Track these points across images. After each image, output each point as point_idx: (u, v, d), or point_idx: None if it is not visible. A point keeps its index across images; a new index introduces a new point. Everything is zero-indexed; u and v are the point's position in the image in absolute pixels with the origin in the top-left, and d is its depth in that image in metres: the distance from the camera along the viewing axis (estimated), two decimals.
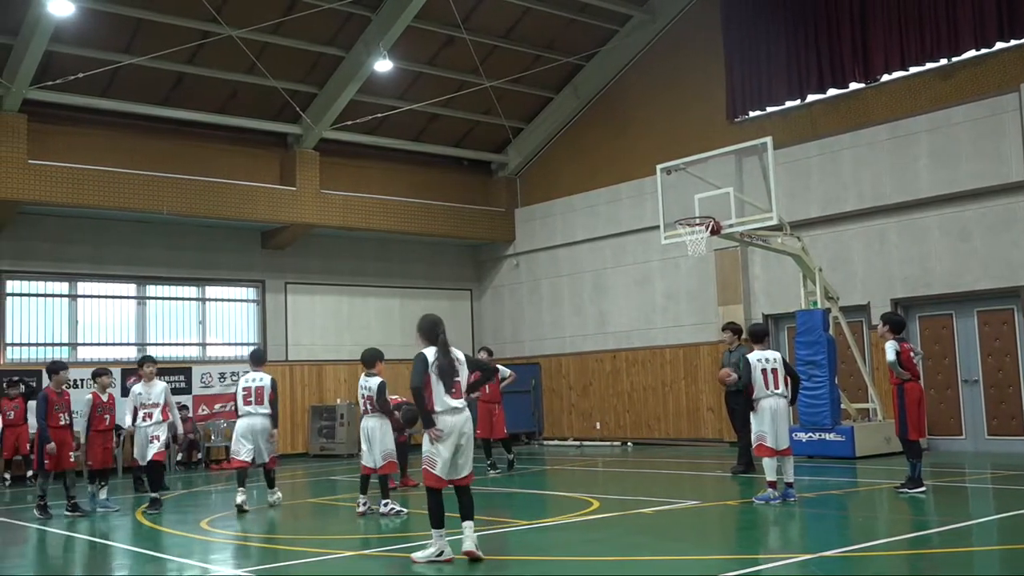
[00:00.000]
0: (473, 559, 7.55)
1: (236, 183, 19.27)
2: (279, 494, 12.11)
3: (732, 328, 13.98)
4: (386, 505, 10.66)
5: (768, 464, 10.61)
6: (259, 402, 11.57)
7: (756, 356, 10.79)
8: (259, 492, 12.98)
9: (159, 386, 11.82)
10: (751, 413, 10.78)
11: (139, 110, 18.42)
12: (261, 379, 11.71)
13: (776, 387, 10.69)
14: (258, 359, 12.13)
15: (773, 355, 10.90)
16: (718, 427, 18.96)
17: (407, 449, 13.94)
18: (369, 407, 10.87)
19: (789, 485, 10.57)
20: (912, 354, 11.11)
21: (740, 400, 13.62)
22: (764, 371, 10.69)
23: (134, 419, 11.81)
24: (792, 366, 11.11)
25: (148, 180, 18.15)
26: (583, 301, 21.85)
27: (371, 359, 11.07)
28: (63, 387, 11.81)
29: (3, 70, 16.57)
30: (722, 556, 8.06)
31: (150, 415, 11.64)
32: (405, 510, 10.72)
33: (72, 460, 11.80)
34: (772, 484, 10.53)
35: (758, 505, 10.35)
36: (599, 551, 8.28)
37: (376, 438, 10.76)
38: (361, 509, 10.74)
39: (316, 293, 21.36)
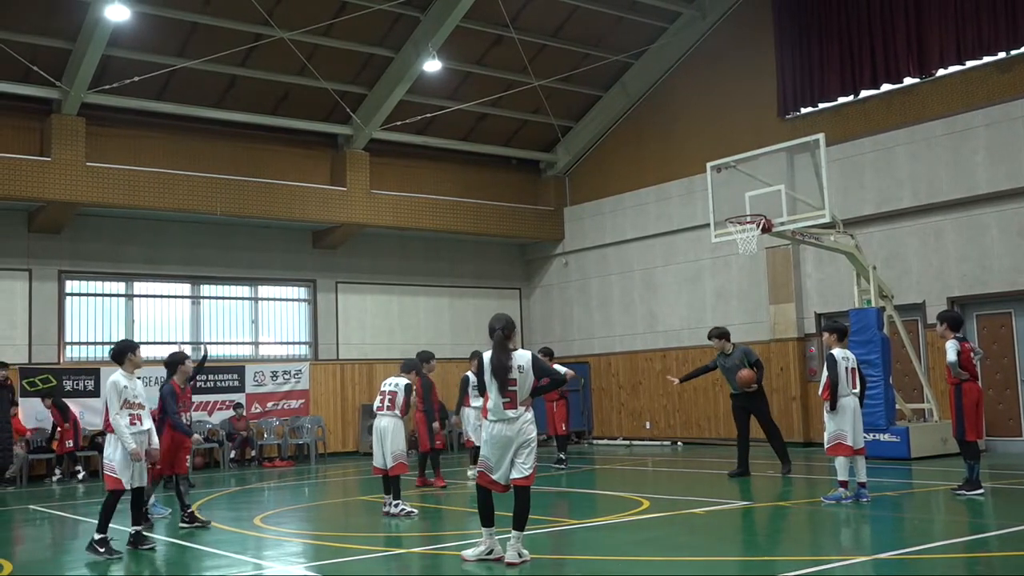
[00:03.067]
0: (508, 566, 7.46)
1: (288, 184, 19.50)
2: (397, 507, 10.69)
3: (719, 334, 13.78)
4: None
5: (842, 464, 10.53)
6: (391, 408, 10.92)
7: (840, 354, 10.71)
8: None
9: (140, 383, 9.21)
10: (828, 412, 10.64)
11: (193, 112, 18.71)
12: (396, 384, 11.01)
13: (854, 387, 10.70)
14: (405, 366, 11.59)
15: (851, 355, 10.90)
16: None
17: (439, 452, 13.99)
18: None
19: (862, 485, 10.48)
20: (972, 354, 10.92)
21: (762, 401, 13.51)
22: (846, 369, 10.66)
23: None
24: (860, 369, 11.01)
25: (202, 181, 18.43)
26: (633, 300, 21.76)
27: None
28: (187, 381, 10.60)
29: (62, 75, 16.93)
30: (775, 558, 7.98)
31: (139, 418, 8.96)
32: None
33: (187, 464, 10.61)
34: (844, 484, 10.46)
35: (828, 505, 10.24)
36: (650, 551, 8.24)
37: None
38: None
39: (366, 292, 21.52)
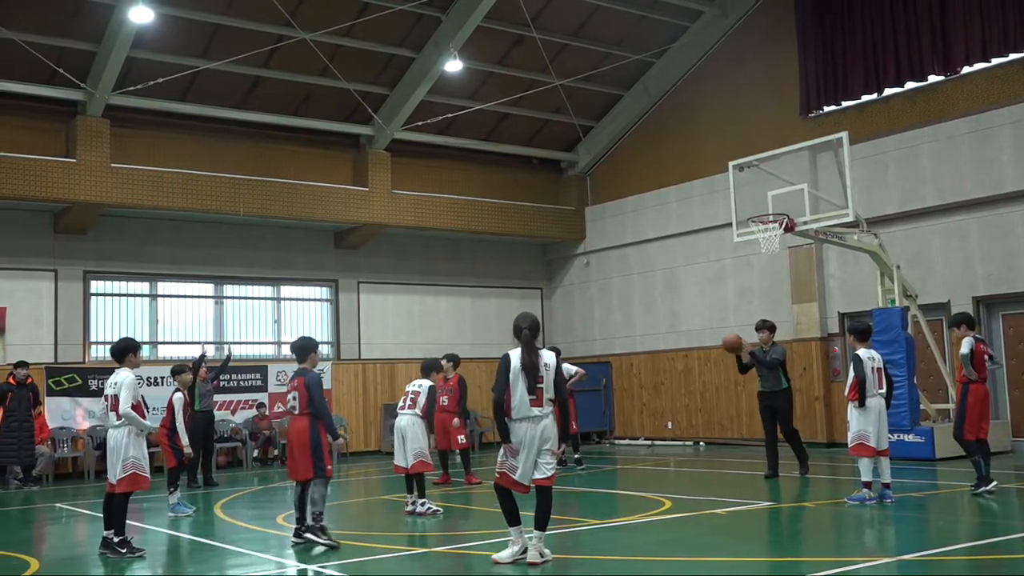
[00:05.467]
0: (529, 565, 7.46)
1: (310, 184, 19.58)
2: (423, 506, 10.76)
3: (769, 327, 13.45)
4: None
5: (865, 464, 10.49)
6: (411, 407, 11.03)
7: (865, 354, 10.65)
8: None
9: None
10: (855, 411, 10.57)
11: (217, 114, 18.83)
12: (419, 385, 11.15)
13: (880, 387, 10.64)
14: (424, 367, 11.64)
15: (877, 355, 10.86)
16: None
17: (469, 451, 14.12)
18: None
19: (886, 486, 10.43)
20: (986, 357, 10.93)
21: (786, 403, 13.31)
22: (872, 369, 10.61)
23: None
24: (887, 369, 10.95)
25: (225, 182, 18.55)
26: (654, 299, 21.71)
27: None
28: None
29: (87, 76, 17.07)
30: (798, 558, 7.94)
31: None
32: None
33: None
34: (867, 484, 10.41)
35: (852, 506, 10.18)
36: (672, 551, 8.23)
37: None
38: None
39: (388, 292, 21.58)
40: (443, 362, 13.65)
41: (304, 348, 9.21)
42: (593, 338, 22.85)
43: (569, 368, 14.88)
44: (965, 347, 10.82)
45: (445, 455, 14.14)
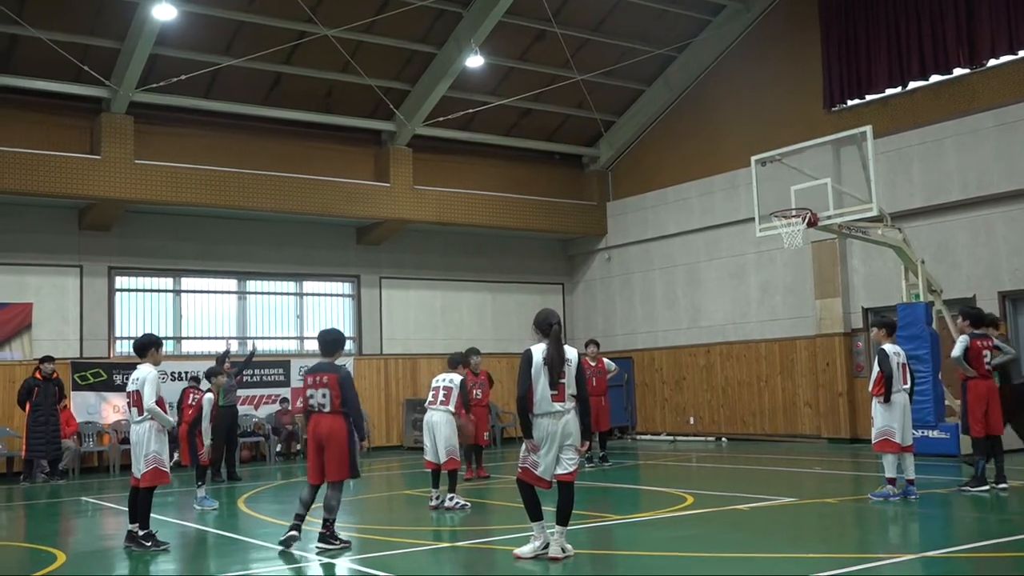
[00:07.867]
0: (551, 560, 7.48)
1: (332, 180, 19.65)
2: (452, 500, 10.73)
3: (992, 321, 12.14)
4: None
5: (890, 461, 10.44)
6: (444, 403, 10.98)
7: (891, 349, 10.59)
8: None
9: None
10: (880, 406, 10.47)
11: (239, 110, 18.92)
12: (450, 380, 11.10)
13: (904, 383, 10.60)
14: (452, 361, 11.63)
15: (901, 350, 10.80)
16: (816, 423, 18.59)
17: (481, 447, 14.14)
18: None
19: (910, 482, 10.39)
20: (987, 352, 10.84)
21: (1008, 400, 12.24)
22: (897, 364, 10.54)
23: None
24: (909, 364, 10.88)
25: (248, 178, 18.64)
26: (676, 295, 21.64)
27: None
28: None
29: (111, 74, 17.20)
30: (819, 555, 7.91)
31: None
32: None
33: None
34: (892, 481, 10.37)
35: (876, 502, 10.14)
36: (694, 547, 8.21)
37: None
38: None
39: (410, 288, 21.64)
40: (472, 358, 13.64)
41: (334, 343, 8.73)
42: (615, 333, 22.81)
43: (609, 364, 15.49)
44: (958, 349, 10.85)
45: (480, 450, 14.13)
